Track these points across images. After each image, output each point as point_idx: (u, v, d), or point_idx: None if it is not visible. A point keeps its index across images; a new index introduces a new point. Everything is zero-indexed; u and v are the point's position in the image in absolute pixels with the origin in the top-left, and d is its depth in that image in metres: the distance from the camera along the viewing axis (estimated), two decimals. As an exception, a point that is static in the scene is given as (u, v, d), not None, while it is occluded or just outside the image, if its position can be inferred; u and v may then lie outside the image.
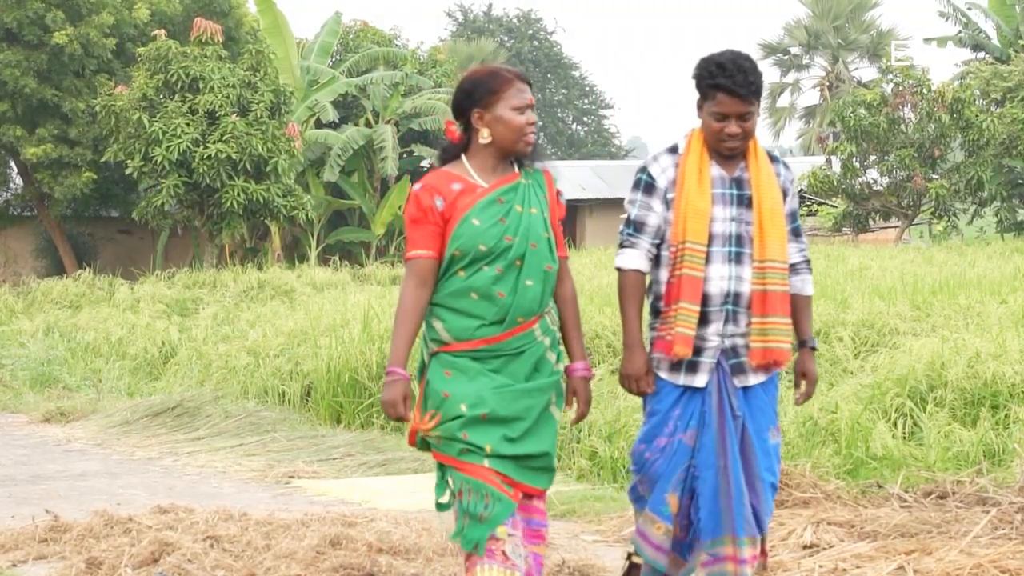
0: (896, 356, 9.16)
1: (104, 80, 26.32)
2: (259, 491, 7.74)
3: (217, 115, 24.47)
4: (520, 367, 4.12)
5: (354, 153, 31.76)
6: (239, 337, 13.82)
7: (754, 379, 4.40)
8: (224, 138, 24.24)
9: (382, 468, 8.33)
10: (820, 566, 5.22)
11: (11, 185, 30.45)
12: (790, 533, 5.70)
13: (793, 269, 4.49)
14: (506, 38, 59.51)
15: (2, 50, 26.06)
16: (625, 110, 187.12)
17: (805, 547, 5.56)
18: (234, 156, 24.23)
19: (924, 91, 30.59)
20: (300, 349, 11.82)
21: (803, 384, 4.52)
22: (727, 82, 4.28)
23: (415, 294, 4.12)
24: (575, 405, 4.31)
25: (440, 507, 4.22)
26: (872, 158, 31.47)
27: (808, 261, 4.55)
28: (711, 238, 4.33)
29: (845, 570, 5.18)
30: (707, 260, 4.32)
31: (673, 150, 4.45)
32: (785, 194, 4.46)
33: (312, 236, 31.57)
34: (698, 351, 4.34)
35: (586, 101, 60.35)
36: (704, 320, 4.33)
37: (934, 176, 31.26)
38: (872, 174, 31.79)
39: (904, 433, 7.88)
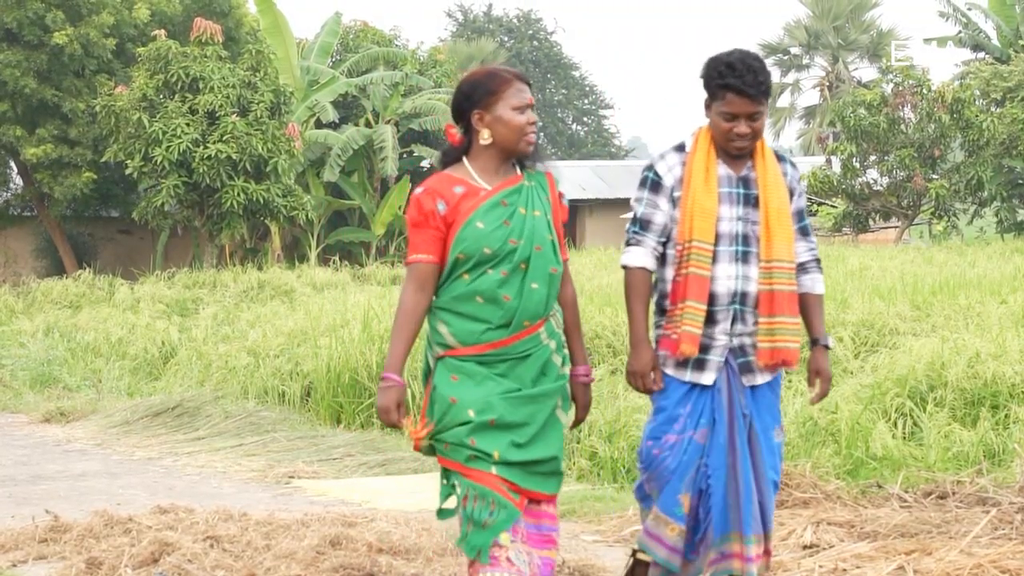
0: (896, 356, 9.16)
1: (104, 80, 26.34)
2: (259, 491, 7.74)
3: (217, 115, 24.48)
4: (526, 371, 4.10)
5: (354, 153, 31.77)
6: (239, 337, 13.82)
7: (761, 378, 4.40)
8: (224, 138, 24.24)
9: (382, 468, 8.33)
10: (820, 566, 5.22)
11: (11, 185, 30.47)
12: (790, 533, 5.70)
13: (802, 268, 4.48)
14: (506, 38, 59.51)
15: (2, 50, 26.07)
16: (625, 110, 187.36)
17: (805, 547, 5.56)
18: (234, 156, 24.24)
19: (924, 91, 30.60)
20: (300, 349, 11.82)
21: (817, 383, 4.48)
22: (737, 82, 4.27)
23: (414, 299, 4.11)
24: (573, 409, 4.31)
25: (442, 514, 4.20)
26: (872, 158, 31.48)
27: (818, 260, 4.54)
28: (718, 237, 4.32)
29: (845, 570, 5.18)
30: (714, 259, 4.32)
31: (680, 148, 4.44)
32: (792, 193, 4.46)
33: (312, 236, 31.57)
34: (705, 349, 4.33)
35: (586, 101, 60.36)
36: (711, 319, 4.32)
37: (934, 176, 31.26)
38: (872, 174, 31.80)
39: (904, 433, 7.88)
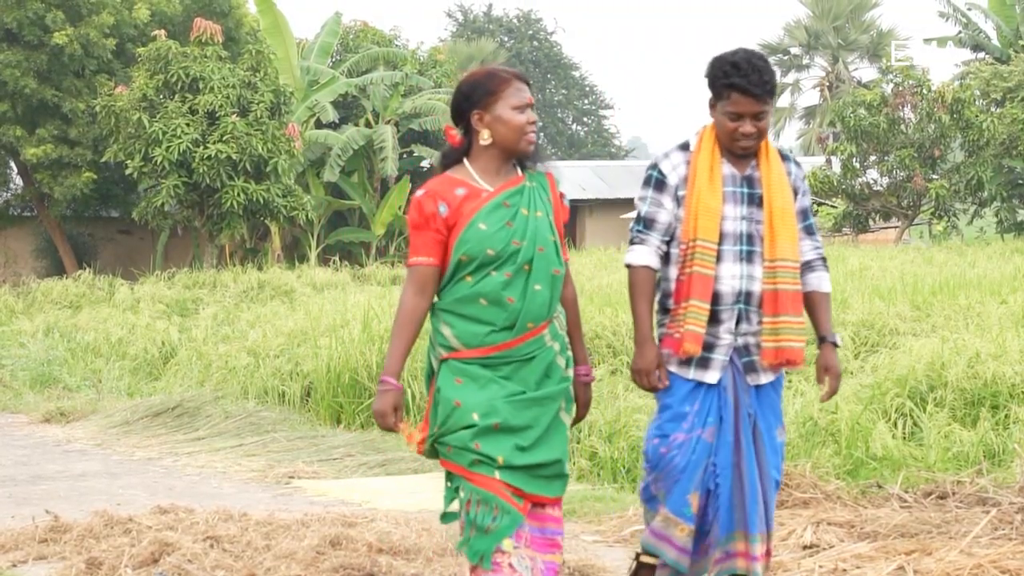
0: (896, 356, 9.16)
1: (104, 80, 26.34)
2: (259, 491, 7.74)
3: (217, 115, 24.49)
4: (530, 373, 4.08)
5: (354, 153, 31.78)
6: (239, 337, 13.82)
7: (765, 378, 4.40)
8: (224, 138, 24.25)
9: (382, 468, 8.33)
10: (820, 566, 5.22)
11: (11, 185, 30.48)
12: (790, 533, 5.70)
13: (808, 266, 4.48)
14: (506, 38, 59.52)
15: (2, 50, 26.08)
16: (625, 110, 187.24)
17: (805, 547, 5.56)
18: (234, 156, 24.24)
19: (924, 91, 30.61)
20: (300, 349, 11.82)
21: (827, 380, 4.45)
22: (742, 82, 4.26)
23: (413, 301, 4.10)
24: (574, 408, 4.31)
25: (446, 517, 4.19)
26: (872, 158, 31.49)
27: (824, 259, 4.53)
28: (722, 236, 4.32)
29: (845, 570, 5.18)
30: (718, 259, 4.31)
31: (684, 147, 4.43)
32: (796, 192, 4.45)
33: (312, 236, 31.58)
34: (710, 347, 4.33)
35: (586, 101, 60.36)
36: (716, 319, 4.32)
37: (934, 176, 31.27)
38: (872, 174, 31.81)
39: (904, 433, 7.88)
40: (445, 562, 5.47)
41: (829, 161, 33.69)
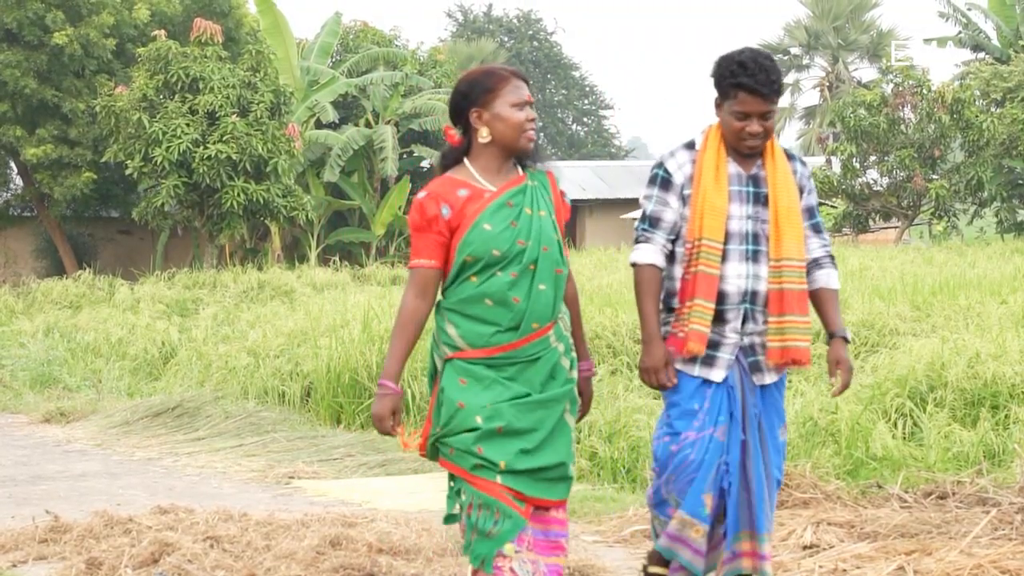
0: (896, 356, 9.16)
1: (104, 80, 26.34)
2: (259, 491, 7.74)
3: (217, 115, 24.49)
4: (535, 374, 4.06)
5: (354, 153, 31.78)
6: (239, 337, 13.82)
7: (769, 378, 4.40)
8: (224, 138, 24.25)
9: (382, 468, 8.33)
10: (820, 566, 5.22)
11: (11, 185, 30.48)
12: (790, 533, 5.70)
13: (817, 263, 4.47)
14: (506, 38, 59.51)
15: (2, 50, 26.08)
16: (625, 110, 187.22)
17: (805, 547, 5.56)
18: (234, 156, 24.25)
19: (924, 91, 30.61)
20: (300, 350, 11.81)
21: (839, 374, 4.42)
22: (749, 81, 4.26)
23: (414, 304, 4.08)
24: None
25: (449, 519, 4.17)
26: (872, 158, 31.50)
27: (832, 256, 4.52)
28: (728, 236, 4.31)
29: (845, 570, 5.18)
30: (724, 258, 4.31)
31: (690, 146, 4.42)
32: (802, 191, 4.44)
33: (312, 236, 31.58)
34: (715, 346, 4.32)
35: (586, 101, 60.35)
36: (721, 318, 4.31)
37: (934, 176, 31.28)
38: (872, 174, 31.82)
39: (904, 433, 7.88)
40: (445, 562, 5.47)
41: (829, 161, 33.70)
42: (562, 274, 4.14)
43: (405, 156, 33.67)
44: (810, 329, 4.39)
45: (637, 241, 4.40)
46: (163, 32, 25.46)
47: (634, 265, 4.38)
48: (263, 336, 13.07)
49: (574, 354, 4.22)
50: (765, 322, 4.35)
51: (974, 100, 31.12)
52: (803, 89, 50.75)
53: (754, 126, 4.30)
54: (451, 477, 4.14)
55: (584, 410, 4.31)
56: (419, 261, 4.08)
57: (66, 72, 26.39)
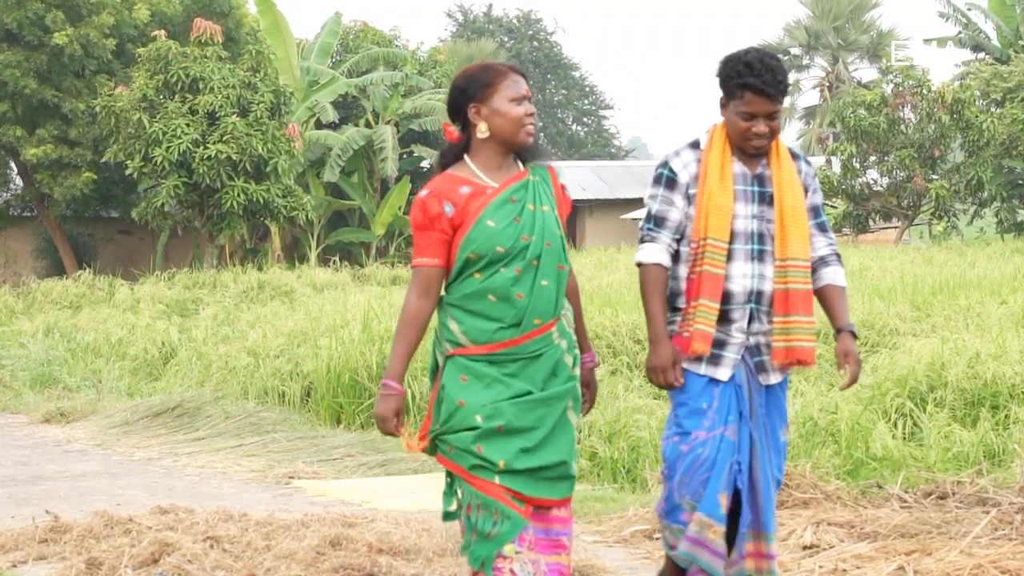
0: (896, 357, 9.16)
1: (104, 80, 26.35)
2: (259, 491, 7.74)
3: (217, 116, 24.49)
4: (538, 371, 4.04)
5: (354, 154, 31.79)
6: (239, 338, 13.82)
7: (774, 378, 4.39)
8: (224, 139, 24.26)
9: (382, 468, 8.33)
10: (820, 567, 5.21)
11: (11, 185, 30.49)
12: (790, 533, 5.70)
13: (823, 261, 4.46)
14: (506, 39, 59.52)
15: (2, 51, 26.09)
16: (625, 110, 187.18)
17: (805, 548, 5.56)
18: (234, 157, 24.25)
19: (924, 92, 30.62)
20: (300, 350, 11.81)
21: (847, 367, 4.39)
22: (756, 82, 4.24)
23: (417, 304, 4.05)
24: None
25: (447, 516, 4.15)
26: (872, 158, 31.51)
27: (838, 254, 4.51)
28: (733, 235, 4.30)
29: (845, 571, 5.18)
30: (730, 258, 4.29)
31: (695, 145, 4.40)
32: (807, 190, 4.44)
33: (312, 236, 31.59)
34: (721, 345, 4.30)
35: (586, 102, 60.36)
36: (727, 318, 4.29)
37: (934, 176, 31.30)
38: (872, 174, 31.84)
39: (904, 433, 7.88)
40: (445, 562, 5.47)
41: (829, 161, 33.71)
42: (564, 270, 4.12)
43: (405, 156, 33.68)
44: (814, 329, 4.38)
45: (642, 241, 4.37)
46: (163, 32, 25.47)
47: (639, 265, 4.36)
48: (263, 336, 13.06)
49: (577, 351, 4.20)
50: (770, 322, 4.34)
51: (974, 100, 31.14)
52: (803, 89, 50.79)
53: (760, 126, 4.29)
54: (448, 473, 4.12)
55: (591, 401, 4.30)
56: (422, 260, 4.06)
57: (66, 72, 26.39)
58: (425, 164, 34.29)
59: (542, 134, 54.97)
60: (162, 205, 24.55)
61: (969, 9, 38.07)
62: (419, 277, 4.06)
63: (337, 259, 27.69)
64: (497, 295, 4.02)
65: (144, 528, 6.04)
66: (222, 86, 24.63)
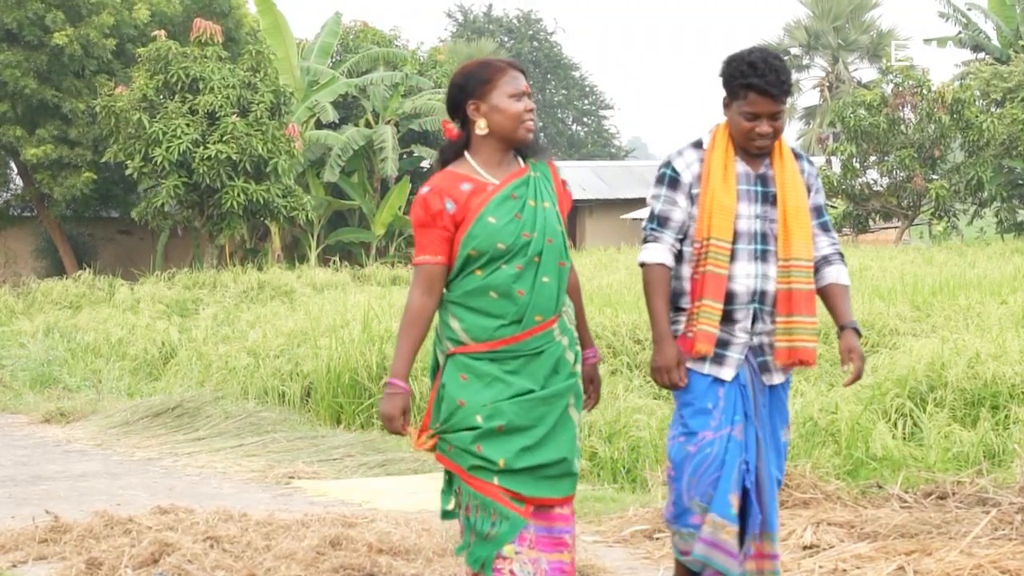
0: (896, 357, 9.16)
1: (104, 81, 26.35)
2: (259, 492, 7.74)
3: (217, 116, 24.49)
4: (539, 368, 4.02)
5: (354, 154, 31.79)
6: (239, 338, 13.82)
7: (777, 378, 4.38)
8: (224, 139, 24.26)
9: (382, 468, 8.33)
10: (820, 567, 5.21)
11: (11, 185, 30.49)
12: (790, 534, 5.70)
13: (826, 260, 4.45)
14: (506, 39, 59.53)
15: (2, 51, 26.09)
16: (625, 110, 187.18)
17: (805, 548, 5.56)
18: (234, 157, 24.25)
19: (924, 92, 30.62)
20: (300, 350, 11.82)
21: (851, 363, 4.37)
22: (760, 82, 4.24)
23: (421, 301, 4.03)
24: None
25: (445, 515, 4.13)
26: (872, 159, 31.51)
27: (841, 254, 4.50)
28: (736, 235, 4.29)
29: (845, 571, 5.18)
30: (733, 258, 4.28)
31: (698, 145, 4.40)
32: (809, 190, 4.43)
33: (312, 236, 31.58)
34: (725, 344, 4.29)
35: (586, 102, 60.37)
36: (730, 318, 4.29)
37: (934, 177, 31.30)
38: (872, 174, 31.84)
39: (904, 434, 7.88)
40: (445, 562, 5.47)
41: (829, 161, 33.70)
42: (565, 267, 4.11)
43: (405, 156, 33.68)
44: (817, 330, 4.38)
45: (645, 241, 4.36)
46: (163, 32, 25.47)
47: (643, 265, 4.35)
48: (263, 336, 13.07)
49: (578, 348, 4.18)
50: (774, 322, 4.34)
51: (974, 100, 31.14)
52: (803, 89, 50.79)
53: (764, 126, 4.28)
54: (447, 472, 4.10)
55: (596, 396, 4.29)
56: (424, 257, 4.04)
57: (66, 72, 26.39)
58: (425, 164, 34.29)
59: (542, 134, 54.95)
60: (162, 205, 24.55)
61: (969, 9, 38.07)
62: (422, 275, 4.04)
63: (337, 259, 27.69)
64: (498, 292, 4.00)
65: (144, 528, 6.04)
66: (222, 86, 24.63)
